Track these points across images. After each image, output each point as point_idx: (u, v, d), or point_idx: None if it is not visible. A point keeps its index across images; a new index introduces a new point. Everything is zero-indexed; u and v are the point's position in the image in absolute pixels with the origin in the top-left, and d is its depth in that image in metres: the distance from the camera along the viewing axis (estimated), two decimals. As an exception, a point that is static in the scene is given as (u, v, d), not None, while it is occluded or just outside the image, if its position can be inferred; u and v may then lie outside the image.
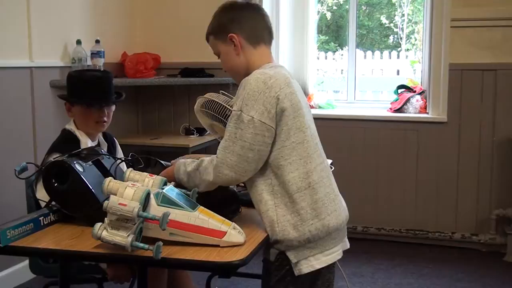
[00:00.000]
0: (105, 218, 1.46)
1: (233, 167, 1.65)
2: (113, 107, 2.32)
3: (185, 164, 1.79)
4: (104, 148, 2.32)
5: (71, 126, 2.26)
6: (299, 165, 1.68)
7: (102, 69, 3.65)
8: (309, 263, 1.70)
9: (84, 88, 2.24)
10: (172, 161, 1.93)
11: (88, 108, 2.23)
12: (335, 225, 1.74)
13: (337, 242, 1.78)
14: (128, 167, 1.80)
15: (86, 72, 2.33)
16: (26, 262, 2.44)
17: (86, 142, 2.21)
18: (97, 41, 3.80)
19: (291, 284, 1.72)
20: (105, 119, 2.26)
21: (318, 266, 1.71)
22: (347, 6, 4.46)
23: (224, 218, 1.59)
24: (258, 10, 1.87)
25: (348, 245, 1.88)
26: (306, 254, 1.70)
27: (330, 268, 1.81)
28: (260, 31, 1.84)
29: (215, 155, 1.70)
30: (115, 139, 2.48)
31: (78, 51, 3.62)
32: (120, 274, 2.13)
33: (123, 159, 2.05)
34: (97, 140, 2.33)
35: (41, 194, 1.87)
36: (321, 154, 1.80)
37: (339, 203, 1.81)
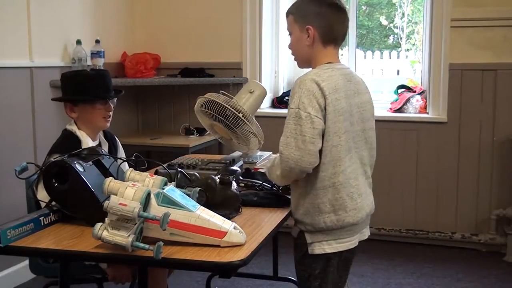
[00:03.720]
0: (106, 218, 1.46)
1: (297, 161, 1.75)
2: (114, 104, 2.34)
3: (269, 161, 1.99)
4: (105, 148, 2.32)
5: (72, 127, 2.25)
6: (329, 166, 1.80)
7: (97, 68, 3.65)
8: (322, 247, 1.85)
9: (88, 85, 2.25)
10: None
11: (93, 105, 2.23)
12: (351, 222, 1.86)
13: (353, 234, 1.90)
14: (129, 167, 1.80)
15: (83, 71, 2.33)
16: (26, 262, 2.44)
17: (87, 142, 2.21)
18: (97, 41, 3.80)
19: (311, 258, 1.86)
20: (110, 113, 2.28)
21: (329, 251, 1.86)
22: (347, 6, 4.46)
23: (224, 218, 1.59)
24: (342, 13, 1.92)
25: (366, 236, 2.02)
26: (320, 238, 1.85)
27: (351, 250, 1.92)
28: (335, 32, 1.92)
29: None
30: (116, 138, 2.47)
31: (78, 51, 3.62)
32: (121, 274, 2.13)
33: (124, 159, 2.05)
34: (98, 140, 2.32)
35: (42, 195, 1.86)
36: (352, 156, 1.86)
37: (361, 201, 1.90)
